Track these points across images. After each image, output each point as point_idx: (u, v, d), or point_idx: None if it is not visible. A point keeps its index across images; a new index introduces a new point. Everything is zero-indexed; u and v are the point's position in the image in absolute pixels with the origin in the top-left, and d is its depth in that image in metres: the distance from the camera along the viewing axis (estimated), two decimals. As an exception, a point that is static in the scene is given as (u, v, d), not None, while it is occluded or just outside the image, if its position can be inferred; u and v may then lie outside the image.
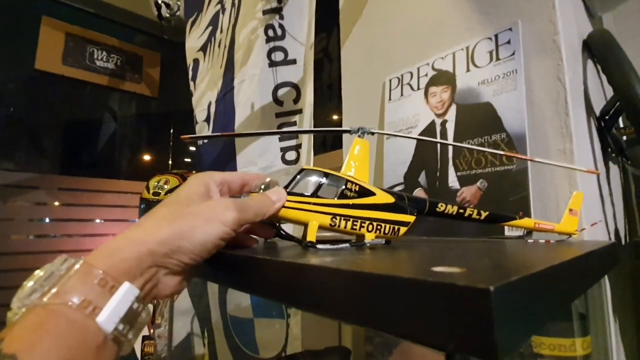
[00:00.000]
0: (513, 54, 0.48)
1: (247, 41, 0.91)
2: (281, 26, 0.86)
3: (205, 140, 1.10)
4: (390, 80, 0.66)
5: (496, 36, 0.51)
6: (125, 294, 0.21)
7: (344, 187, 0.31)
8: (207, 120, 1.09)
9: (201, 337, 1.24)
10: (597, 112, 0.56)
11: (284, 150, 0.88)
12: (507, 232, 0.44)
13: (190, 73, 1.25)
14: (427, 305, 0.13)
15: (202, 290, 1.19)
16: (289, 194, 0.30)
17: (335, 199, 0.31)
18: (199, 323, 1.23)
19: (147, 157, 1.80)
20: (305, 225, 0.30)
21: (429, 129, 0.57)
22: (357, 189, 0.31)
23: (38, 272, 0.21)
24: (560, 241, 0.36)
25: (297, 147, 0.87)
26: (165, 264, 0.24)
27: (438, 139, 0.53)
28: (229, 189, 0.31)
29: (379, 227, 0.31)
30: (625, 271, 0.50)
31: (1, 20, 1.32)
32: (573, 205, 0.37)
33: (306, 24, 0.86)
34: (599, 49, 0.50)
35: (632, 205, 0.64)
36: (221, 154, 1.00)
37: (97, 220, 1.73)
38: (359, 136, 0.35)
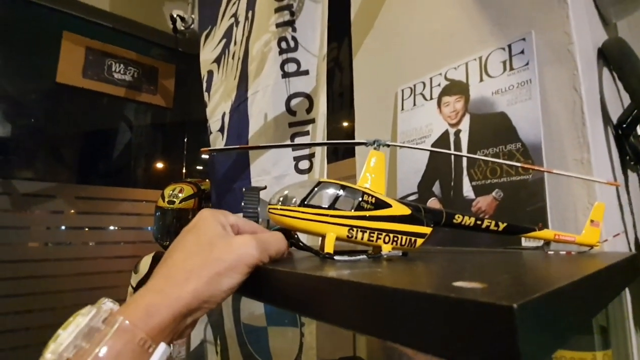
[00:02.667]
0: (527, 63, 0.49)
1: (261, 53, 0.93)
2: (294, 38, 0.88)
3: (219, 150, 1.12)
4: (402, 90, 0.67)
5: (509, 46, 0.51)
6: (161, 356, 0.22)
7: (360, 199, 0.32)
8: (222, 130, 1.11)
9: (214, 345, 1.24)
10: (614, 120, 0.55)
11: (297, 159, 0.89)
12: (525, 242, 0.44)
13: (205, 84, 1.28)
14: (450, 321, 0.13)
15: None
16: (307, 206, 0.31)
17: (352, 211, 0.31)
18: (212, 331, 1.24)
19: (161, 166, 1.83)
20: (323, 236, 0.31)
21: (443, 139, 0.57)
22: (373, 201, 0.32)
23: (74, 322, 0.21)
24: (582, 253, 0.35)
25: (310, 157, 0.87)
26: (195, 314, 0.25)
27: (452, 150, 0.53)
28: (238, 231, 0.31)
29: (395, 238, 0.32)
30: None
31: (24, 35, 1.38)
32: (594, 216, 0.36)
33: (318, 35, 0.88)
34: (615, 57, 0.49)
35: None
36: (235, 164, 1.02)
37: (112, 228, 1.76)
38: (374, 148, 0.36)
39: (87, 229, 1.60)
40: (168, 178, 1.74)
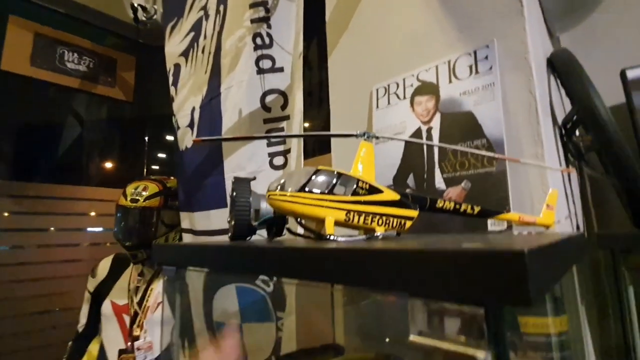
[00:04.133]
0: (490, 68, 0.54)
1: (235, 48, 0.92)
2: (269, 35, 0.89)
3: (189, 146, 1.09)
4: (377, 89, 0.71)
5: (475, 52, 0.57)
6: None
7: (355, 185, 0.34)
8: (191, 125, 1.09)
9: (182, 348, 1.20)
10: (560, 121, 0.63)
11: (272, 155, 0.90)
12: (490, 227, 0.49)
13: (171, 78, 1.24)
14: (471, 270, 0.16)
15: (184, 300, 1.16)
16: (306, 192, 0.33)
17: (349, 196, 0.34)
18: (180, 334, 1.20)
19: (120, 163, 1.73)
20: (322, 220, 0.33)
21: (416, 135, 0.62)
22: (367, 187, 0.35)
23: None
24: (540, 233, 0.41)
25: (285, 153, 0.89)
26: None
27: (425, 146, 0.58)
28: None
29: (387, 221, 0.35)
30: (586, 261, 0.57)
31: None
32: (550, 201, 0.42)
33: (293, 33, 0.90)
34: (561, 66, 0.57)
35: (588, 204, 0.73)
36: (207, 159, 1.00)
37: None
38: (365, 140, 0.39)
39: (49, 229, 1.46)
40: (127, 176, 1.65)
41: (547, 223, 0.40)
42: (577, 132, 0.67)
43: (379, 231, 0.34)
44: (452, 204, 0.38)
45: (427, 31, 0.64)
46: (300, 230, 0.39)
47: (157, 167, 1.92)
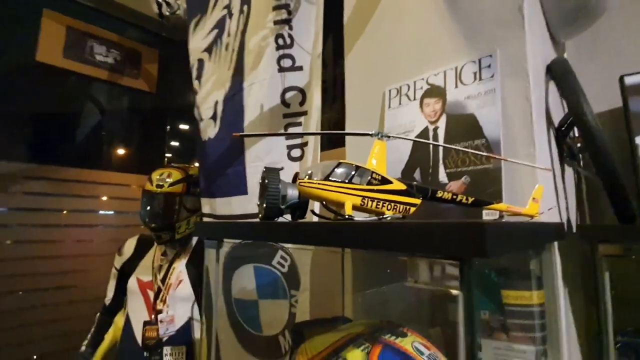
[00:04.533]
0: (492, 75, 0.61)
1: (258, 47, 1.00)
2: (290, 36, 0.96)
3: (212, 136, 1.17)
4: (389, 91, 0.77)
5: (480, 60, 0.63)
6: None
7: (370, 176, 0.42)
8: (214, 117, 1.17)
9: (200, 322, 1.31)
10: (556, 124, 0.69)
11: (290, 148, 0.98)
12: (484, 217, 0.56)
13: (195, 72, 1.32)
14: (451, 236, 0.23)
15: (204, 278, 1.26)
16: (330, 180, 0.41)
17: (365, 185, 0.41)
18: (199, 309, 1.30)
19: (139, 151, 1.82)
20: (342, 204, 0.41)
21: (424, 134, 0.68)
22: (379, 178, 0.42)
23: None
24: (523, 221, 0.48)
25: (302, 146, 0.96)
26: None
27: (440, 140, 0.65)
28: None
29: (395, 206, 0.42)
30: (574, 250, 0.63)
31: (3, 12, 1.32)
32: (535, 195, 0.49)
33: (313, 34, 0.96)
34: (557, 75, 0.63)
35: (582, 199, 0.79)
36: (229, 150, 1.08)
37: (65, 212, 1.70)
38: (378, 139, 0.46)
39: (65, 212, 1.58)
40: (146, 163, 1.75)
41: (532, 213, 0.47)
42: (573, 134, 0.73)
43: (388, 214, 0.41)
44: (450, 194, 0.45)
45: (437, 39, 0.70)
46: (318, 212, 0.47)
47: (169, 155, 2.01)
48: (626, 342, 0.70)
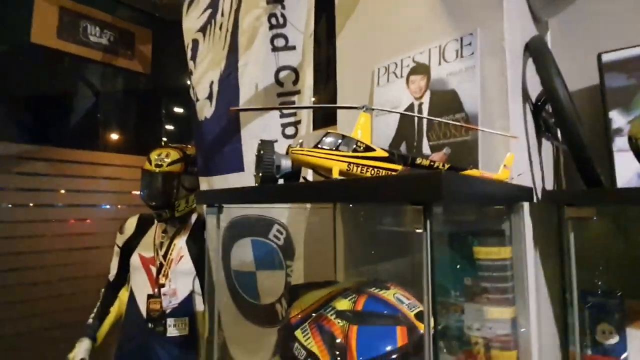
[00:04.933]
0: (472, 53, 0.65)
1: (252, 27, 1.02)
2: (283, 15, 0.98)
3: (208, 116, 1.20)
4: (378, 69, 0.81)
5: (461, 38, 0.67)
6: None
7: (355, 144, 0.46)
8: (210, 97, 1.20)
9: (201, 295, 1.38)
10: (534, 99, 0.74)
11: (284, 126, 1.01)
12: (463, 185, 0.61)
13: (189, 53, 1.33)
14: (416, 184, 0.28)
15: (202, 253, 1.32)
16: (319, 148, 0.45)
17: (350, 152, 0.46)
18: (200, 282, 1.37)
19: (134, 131, 1.85)
20: (330, 169, 0.45)
21: (409, 109, 0.73)
22: (364, 146, 0.47)
23: None
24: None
25: (296, 124, 1.00)
26: None
27: (416, 118, 0.69)
28: None
29: (378, 172, 0.47)
30: (546, 214, 0.69)
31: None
32: (507, 162, 0.54)
33: (305, 14, 0.98)
34: (534, 52, 0.67)
35: (559, 169, 0.85)
36: (226, 129, 1.11)
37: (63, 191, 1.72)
38: (364, 111, 0.50)
39: (63, 191, 1.61)
40: (145, 143, 1.77)
41: (502, 178, 0.52)
42: (549, 108, 0.78)
43: (371, 178, 0.46)
44: (428, 162, 0.50)
45: (423, 18, 0.74)
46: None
47: (165, 140, 2.03)
48: (595, 301, 0.77)
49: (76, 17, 1.49)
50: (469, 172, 0.52)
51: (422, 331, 0.47)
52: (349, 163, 0.45)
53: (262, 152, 0.55)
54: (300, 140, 0.46)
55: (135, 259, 1.38)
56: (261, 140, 0.57)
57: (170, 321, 1.31)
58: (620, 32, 0.84)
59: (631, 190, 0.55)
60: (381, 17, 0.83)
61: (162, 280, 1.33)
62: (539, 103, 0.73)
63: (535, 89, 0.74)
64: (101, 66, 1.67)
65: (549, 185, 0.77)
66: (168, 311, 1.31)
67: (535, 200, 0.57)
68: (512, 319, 0.53)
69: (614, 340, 0.76)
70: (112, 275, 1.47)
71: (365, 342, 0.45)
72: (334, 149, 0.45)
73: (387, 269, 0.74)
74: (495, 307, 0.52)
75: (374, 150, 0.47)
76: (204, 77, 1.24)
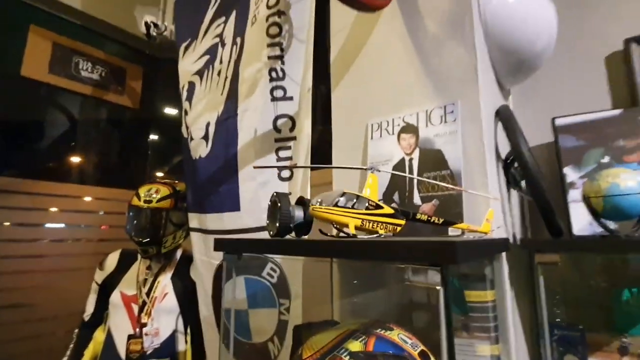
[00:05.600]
0: (455, 120, 0.76)
1: (253, 78, 1.10)
2: (282, 70, 1.08)
3: (203, 155, 1.25)
4: (372, 124, 0.91)
5: (445, 107, 0.79)
6: None
7: (367, 203, 0.54)
8: (206, 138, 1.25)
9: (184, 334, 1.35)
10: (504, 157, 0.86)
11: (280, 169, 1.08)
12: (450, 232, 0.70)
13: (185, 94, 1.39)
14: (434, 250, 0.36)
15: (192, 288, 1.31)
16: (337, 206, 0.52)
17: (364, 209, 0.53)
18: (183, 321, 1.34)
19: (125, 165, 1.83)
20: (346, 225, 0.52)
21: (400, 164, 0.83)
22: (374, 204, 0.54)
23: None
24: (479, 237, 0.63)
25: (291, 168, 1.07)
26: None
27: (407, 172, 0.79)
28: None
29: (386, 226, 0.55)
30: (518, 259, 0.79)
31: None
32: (488, 216, 0.64)
33: (302, 69, 1.08)
34: (502, 119, 0.80)
35: (525, 218, 0.97)
36: (222, 169, 1.16)
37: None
38: (371, 172, 0.58)
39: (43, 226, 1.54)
40: (129, 177, 1.76)
41: (485, 231, 0.62)
42: (516, 165, 0.91)
43: (381, 232, 0.53)
44: (426, 216, 0.58)
45: (411, 85, 0.86)
46: (331, 232, 0.58)
47: (160, 174, 2.02)
48: (561, 335, 0.87)
49: (69, 53, 1.51)
50: (459, 225, 0.61)
51: (425, 369, 0.53)
52: (363, 220, 0.53)
53: (279, 204, 0.61)
54: (320, 199, 0.53)
55: (115, 297, 1.34)
56: (276, 192, 0.63)
57: (151, 363, 1.26)
58: (570, 100, 1.01)
59: (587, 239, 0.66)
60: (374, 79, 0.94)
61: (144, 319, 1.29)
62: (508, 161, 0.85)
63: (504, 148, 0.87)
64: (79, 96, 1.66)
65: (519, 234, 0.89)
66: (149, 352, 1.27)
67: (510, 248, 0.67)
68: (497, 355, 0.61)
69: (579, 369, 0.86)
70: (87, 314, 1.40)
71: (378, 381, 0.50)
72: (350, 207, 0.53)
73: (381, 307, 0.80)
74: (485, 344, 0.60)
75: (382, 207, 0.55)
76: (200, 118, 1.29)
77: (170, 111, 1.73)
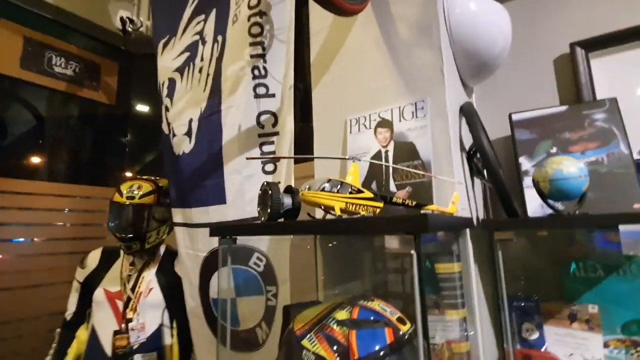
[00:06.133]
0: (425, 115, 0.85)
1: (235, 76, 1.14)
2: (264, 68, 1.13)
3: (186, 151, 1.27)
4: (350, 120, 0.99)
5: (415, 103, 0.87)
6: None
7: (350, 188, 0.61)
8: (189, 134, 1.27)
9: (170, 328, 1.37)
10: (467, 148, 0.97)
11: (264, 163, 1.13)
12: (422, 216, 0.79)
13: (165, 90, 1.41)
14: (412, 220, 0.43)
15: (177, 283, 1.33)
16: (324, 191, 0.59)
17: (347, 194, 0.60)
18: (169, 315, 1.36)
19: (102, 163, 1.80)
20: (333, 208, 0.59)
21: (377, 155, 0.91)
22: (356, 189, 0.62)
23: None
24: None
25: (275, 161, 1.13)
26: None
27: (390, 164, 0.87)
28: None
29: (367, 208, 0.62)
30: (481, 237, 0.89)
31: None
32: (454, 200, 0.73)
33: (283, 67, 1.14)
34: (466, 115, 0.90)
35: (487, 201, 1.08)
36: (207, 164, 1.20)
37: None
38: (353, 162, 0.66)
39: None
40: (105, 175, 1.74)
41: (452, 212, 0.71)
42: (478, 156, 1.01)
43: (363, 214, 0.61)
44: (401, 200, 0.66)
45: (387, 84, 0.94)
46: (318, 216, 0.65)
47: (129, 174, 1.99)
48: (518, 305, 0.99)
49: (41, 48, 1.48)
50: (430, 207, 0.69)
51: (402, 331, 0.61)
52: (347, 202, 0.60)
53: (269, 192, 0.67)
54: (308, 186, 0.60)
55: (99, 294, 1.34)
56: (266, 182, 0.69)
57: (137, 357, 1.28)
58: (524, 97, 1.13)
59: (537, 220, 0.77)
60: (352, 78, 1.02)
61: (129, 314, 1.31)
62: (471, 152, 0.95)
63: (467, 140, 0.97)
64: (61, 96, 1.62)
65: (482, 215, 1.00)
66: (135, 347, 1.28)
67: (474, 227, 0.77)
68: (463, 318, 0.70)
69: (536, 335, 0.98)
70: (69, 313, 1.39)
71: (363, 342, 0.57)
72: (336, 191, 0.60)
73: (361, 286, 0.89)
74: (452, 309, 0.69)
75: (363, 192, 0.62)
76: (182, 114, 1.32)
77: (145, 108, 1.72)
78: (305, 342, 0.61)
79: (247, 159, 0.75)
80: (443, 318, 0.75)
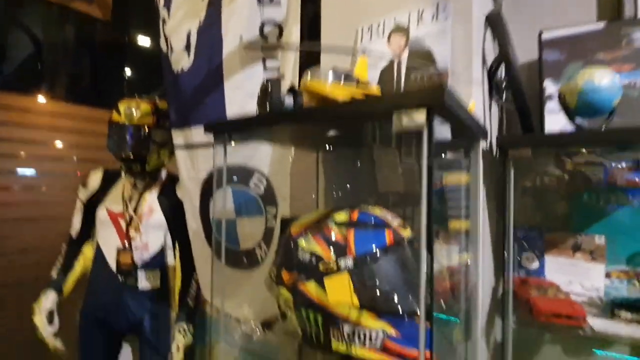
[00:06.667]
0: (447, 18, 0.76)
1: (237, -21, 1.03)
2: (269, -30, 1.01)
3: (185, 68, 1.19)
4: (362, 28, 0.89)
5: (437, 5, 0.77)
6: None
7: (357, 81, 0.55)
8: (187, 48, 1.19)
9: (172, 249, 1.39)
10: (488, 65, 0.88)
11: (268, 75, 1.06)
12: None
13: (162, 1, 1.29)
14: (429, 93, 0.38)
15: (179, 206, 1.33)
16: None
17: (353, 86, 0.54)
18: (171, 236, 1.38)
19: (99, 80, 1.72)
20: (336, 99, 0.54)
21: (389, 67, 0.83)
22: (363, 83, 0.56)
23: None
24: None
25: (279, 76, 1.05)
26: None
27: (402, 71, 0.79)
28: None
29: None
30: (493, 159, 0.84)
31: None
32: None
33: (290, -30, 1.02)
34: (492, 23, 0.80)
35: (502, 125, 1.01)
36: (207, 80, 1.12)
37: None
38: (363, 55, 0.59)
39: None
40: (105, 93, 1.67)
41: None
42: (500, 75, 0.92)
43: (370, 109, 0.56)
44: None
45: (405, -16, 0.83)
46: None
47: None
48: (522, 235, 0.97)
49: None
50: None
51: (403, 235, 0.59)
52: (352, 96, 0.54)
53: (270, 90, 0.62)
54: (309, 75, 0.54)
55: (102, 213, 1.35)
56: (267, 79, 0.63)
57: (141, 274, 1.32)
58: (557, 14, 1.01)
59: (557, 136, 0.71)
60: (365, -19, 0.90)
61: (132, 233, 1.32)
62: (493, 69, 0.87)
63: (490, 57, 0.88)
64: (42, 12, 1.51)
65: (494, 137, 0.94)
66: (139, 264, 1.32)
67: (487, 144, 0.71)
68: (467, 230, 0.68)
69: (536, 264, 0.97)
70: (75, 231, 1.42)
71: (362, 241, 0.55)
72: (341, 82, 0.54)
73: (363, 200, 0.86)
74: (456, 220, 0.66)
75: (371, 87, 0.57)
76: (180, 27, 1.22)
77: (142, 24, 1.60)
78: (300, 242, 0.59)
79: (244, 48, 0.68)
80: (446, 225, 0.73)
